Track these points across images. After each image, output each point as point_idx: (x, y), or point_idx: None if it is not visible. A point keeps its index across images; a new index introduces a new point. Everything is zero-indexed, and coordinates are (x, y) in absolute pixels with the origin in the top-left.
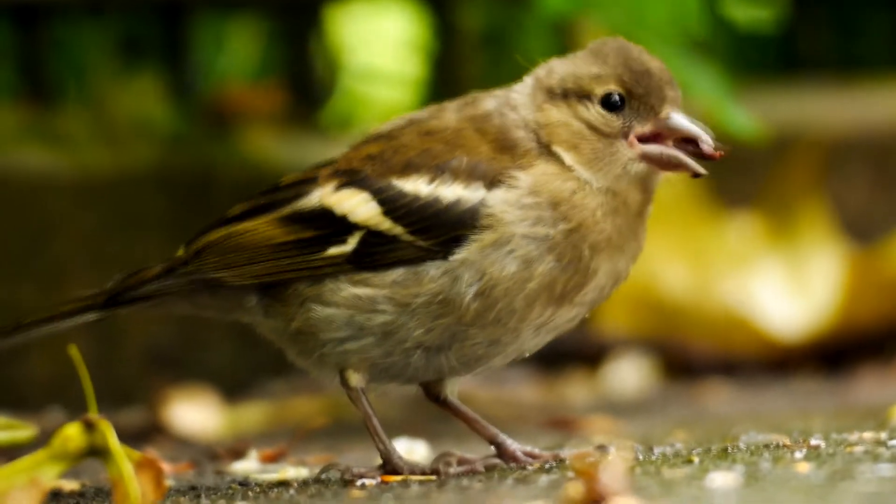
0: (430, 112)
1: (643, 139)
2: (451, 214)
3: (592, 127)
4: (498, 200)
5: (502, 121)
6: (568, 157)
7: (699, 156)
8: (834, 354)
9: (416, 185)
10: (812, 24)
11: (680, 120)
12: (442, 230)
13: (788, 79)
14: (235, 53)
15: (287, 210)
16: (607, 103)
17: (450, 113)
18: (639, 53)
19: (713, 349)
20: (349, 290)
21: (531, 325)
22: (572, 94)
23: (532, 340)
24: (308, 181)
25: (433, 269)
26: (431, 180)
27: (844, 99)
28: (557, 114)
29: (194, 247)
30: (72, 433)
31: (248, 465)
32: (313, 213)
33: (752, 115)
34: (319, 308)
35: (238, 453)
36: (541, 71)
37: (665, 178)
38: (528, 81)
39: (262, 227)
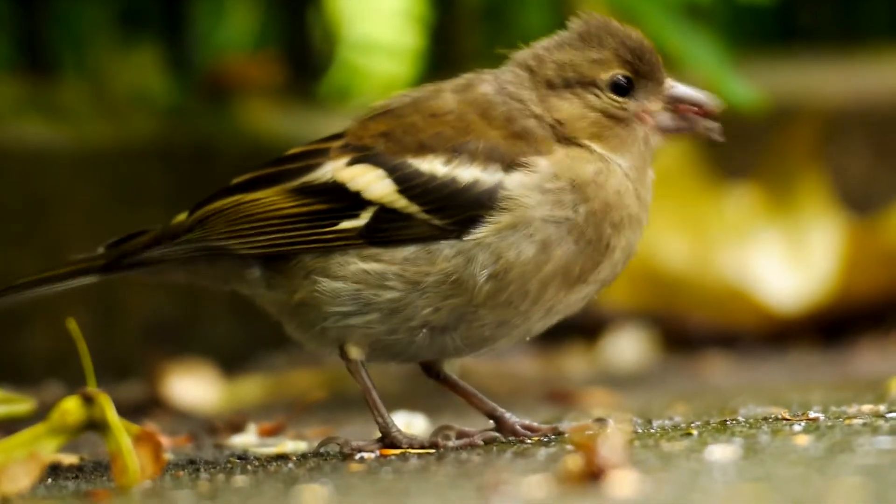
0: (429, 92)
1: (656, 113)
2: (468, 195)
3: (608, 114)
4: (517, 184)
5: (507, 109)
6: (598, 148)
7: (706, 117)
8: (833, 326)
9: (433, 166)
10: None
11: (682, 88)
12: (458, 210)
13: (788, 49)
14: (234, 25)
15: (298, 182)
16: (616, 88)
17: (448, 94)
18: (626, 29)
19: (712, 322)
20: (358, 264)
21: (542, 308)
22: (576, 83)
23: (540, 322)
24: (317, 153)
25: (447, 249)
26: (448, 161)
27: (844, 70)
28: (569, 107)
29: (198, 214)
30: (70, 407)
31: (247, 439)
32: (325, 186)
33: (752, 85)
34: (326, 281)
35: (237, 427)
36: (528, 59)
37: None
38: (518, 71)
39: (272, 198)
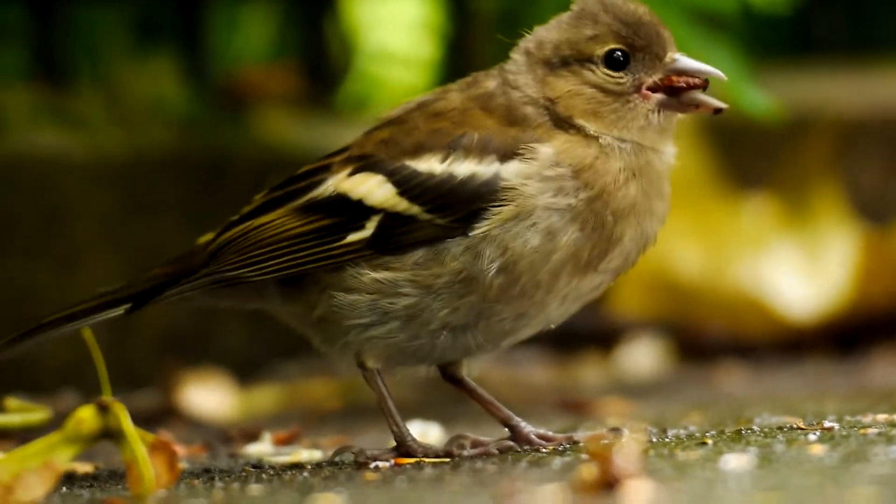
0: (436, 94)
1: (654, 88)
2: (467, 189)
3: (604, 90)
4: (514, 173)
5: (507, 98)
6: (591, 127)
7: (706, 83)
8: (848, 336)
9: (430, 164)
10: (827, 5)
11: (686, 61)
12: (459, 206)
13: (803, 60)
14: (250, 35)
15: (303, 200)
16: (611, 62)
17: (454, 94)
18: (625, 4)
19: (727, 331)
20: (370, 274)
21: (557, 296)
22: (573, 61)
23: (557, 310)
24: (321, 169)
25: (454, 247)
26: (444, 158)
27: (859, 80)
28: (565, 84)
29: (213, 247)
30: (86, 416)
31: (262, 448)
32: (329, 200)
33: (769, 95)
34: (341, 295)
35: (251, 436)
36: (529, 44)
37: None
38: (518, 58)
39: (279, 220)
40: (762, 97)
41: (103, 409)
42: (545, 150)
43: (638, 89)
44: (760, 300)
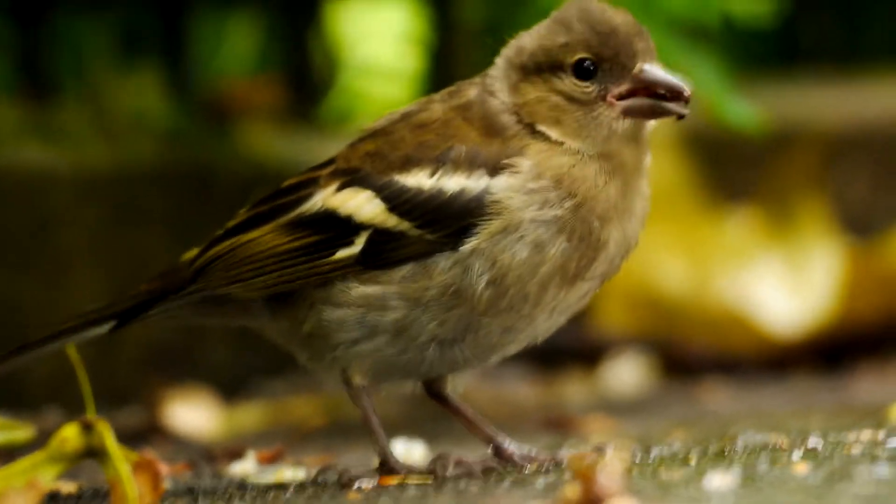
0: (420, 105)
1: (622, 97)
2: (457, 205)
3: (570, 97)
4: (502, 187)
5: (484, 107)
6: (554, 133)
7: (678, 100)
8: (833, 352)
9: (419, 179)
10: (813, 16)
11: (654, 71)
12: (449, 221)
13: (788, 72)
14: (234, 48)
15: (291, 216)
16: (580, 71)
17: (437, 104)
18: (602, 13)
19: (711, 347)
20: (359, 289)
21: (545, 309)
22: (546, 68)
23: (545, 324)
24: (309, 183)
25: (443, 261)
26: (433, 173)
27: (845, 92)
28: (533, 90)
29: (199, 263)
30: (69, 434)
31: (246, 466)
32: (317, 216)
33: (753, 107)
34: (330, 310)
35: (235, 454)
36: (510, 50)
37: (652, 130)
38: (499, 63)
39: (267, 236)
40: (747, 109)
41: (87, 428)
42: (527, 163)
43: (604, 98)
44: (745, 316)
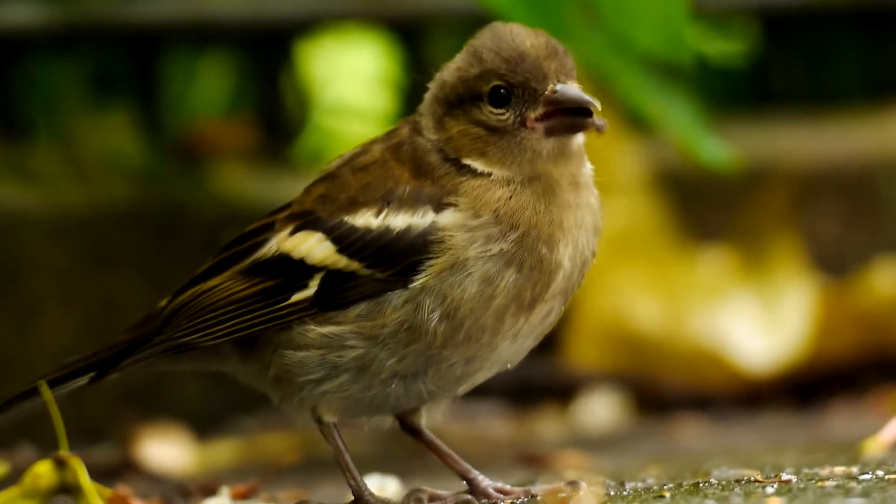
0: (363, 147)
1: (540, 118)
2: (403, 242)
3: (489, 127)
4: (446, 224)
5: (413, 147)
6: (479, 165)
7: (589, 115)
8: (806, 388)
9: (366, 219)
10: (783, 56)
11: (564, 91)
12: (397, 259)
13: (760, 112)
14: (206, 89)
15: (248, 261)
16: (495, 99)
17: (376, 145)
18: (511, 38)
19: (685, 384)
20: (316, 330)
21: (506, 336)
22: (466, 99)
23: (511, 349)
24: (266, 228)
25: (395, 299)
26: (379, 212)
27: (816, 132)
28: (456, 124)
29: (167, 311)
30: (43, 470)
31: (220, 502)
32: (272, 260)
33: (726, 147)
34: (291, 353)
35: (209, 490)
36: (435, 84)
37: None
38: (427, 98)
39: (226, 284)
40: (720, 148)
41: (61, 464)
42: (464, 200)
43: (523, 123)
44: (718, 353)
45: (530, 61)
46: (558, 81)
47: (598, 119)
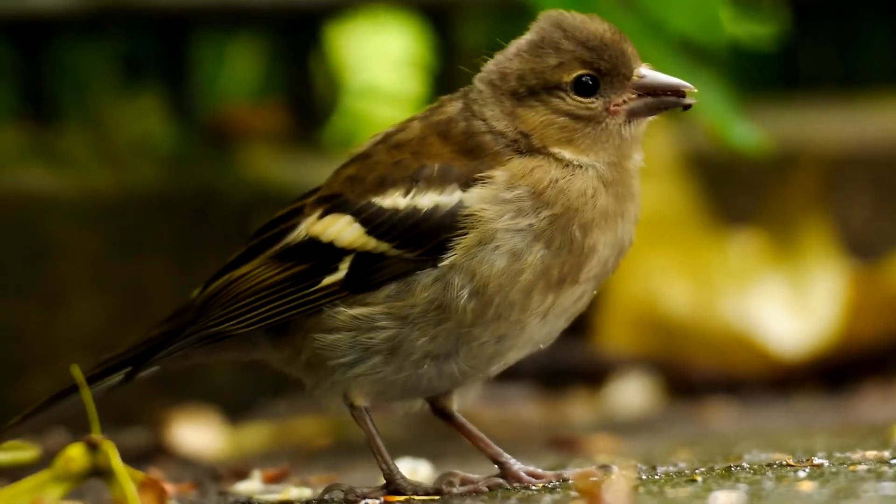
0: (401, 124)
1: (625, 102)
2: (432, 221)
3: (576, 116)
4: (475, 199)
5: (468, 125)
6: (568, 153)
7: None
8: (836, 372)
9: (394, 200)
10: (813, 40)
11: (653, 76)
12: (426, 239)
13: (790, 95)
14: (236, 72)
15: (277, 248)
16: (581, 88)
17: (416, 122)
18: (585, 26)
19: (715, 368)
20: (346, 312)
21: (535, 315)
22: (540, 90)
23: (542, 329)
24: (295, 213)
25: (424, 278)
26: (407, 192)
27: (846, 115)
28: (536, 115)
29: (199, 301)
30: (75, 454)
31: (251, 486)
32: (302, 245)
33: (757, 130)
34: (322, 336)
35: (241, 474)
36: (491, 75)
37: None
38: (483, 88)
39: (257, 270)
40: (751, 132)
41: (93, 448)
42: (501, 174)
43: (608, 110)
44: (748, 336)
45: (614, 47)
46: (639, 66)
47: (680, 98)
